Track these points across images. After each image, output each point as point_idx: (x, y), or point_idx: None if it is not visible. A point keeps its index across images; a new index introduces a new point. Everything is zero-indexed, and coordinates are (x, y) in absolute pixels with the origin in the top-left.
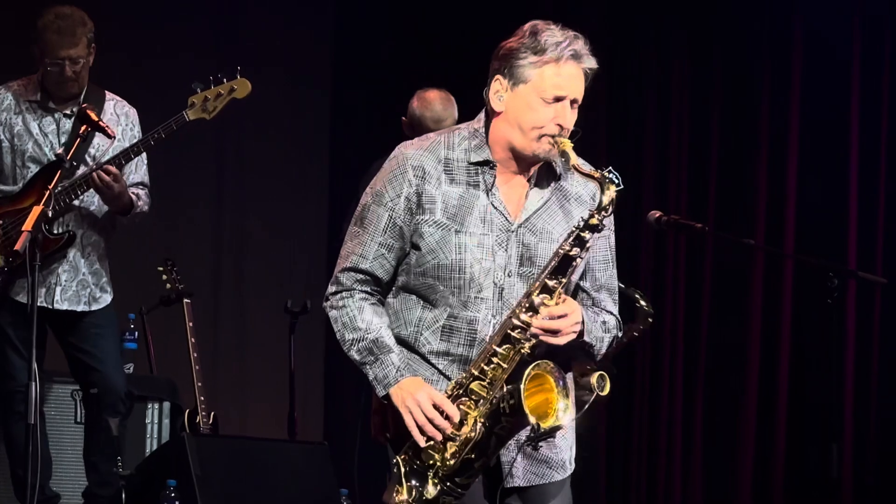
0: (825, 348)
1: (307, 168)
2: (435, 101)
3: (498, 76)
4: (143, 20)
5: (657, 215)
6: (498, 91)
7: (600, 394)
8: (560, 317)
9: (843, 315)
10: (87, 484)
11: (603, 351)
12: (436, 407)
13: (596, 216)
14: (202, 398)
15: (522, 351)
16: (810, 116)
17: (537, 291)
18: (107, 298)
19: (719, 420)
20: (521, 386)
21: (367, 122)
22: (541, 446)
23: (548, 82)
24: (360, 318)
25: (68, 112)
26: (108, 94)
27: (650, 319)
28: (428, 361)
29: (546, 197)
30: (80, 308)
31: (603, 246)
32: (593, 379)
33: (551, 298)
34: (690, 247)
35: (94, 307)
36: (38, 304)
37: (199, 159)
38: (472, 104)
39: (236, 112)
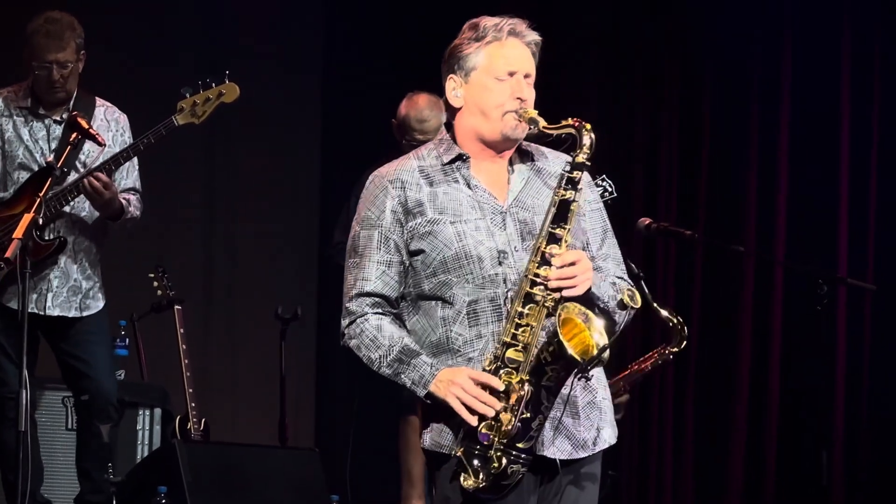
0: (815, 355)
1: (298, 174)
2: (421, 103)
3: (450, 76)
4: (132, 27)
5: (647, 222)
6: (454, 88)
7: (634, 306)
8: (572, 264)
9: (834, 322)
10: (78, 490)
11: (613, 306)
12: (480, 385)
13: (581, 154)
14: (193, 405)
15: (547, 306)
16: (800, 123)
17: (544, 243)
18: (98, 304)
19: (709, 427)
20: (558, 329)
21: (359, 128)
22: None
23: (496, 61)
24: (381, 335)
25: (58, 118)
26: (99, 101)
27: (685, 340)
28: (465, 356)
29: (526, 176)
30: (71, 314)
31: (596, 218)
32: (625, 296)
33: (560, 248)
34: (680, 254)
35: (86, 313)
36: (30, 310)
37: (190, 166)
38: None
39: (228, 118)
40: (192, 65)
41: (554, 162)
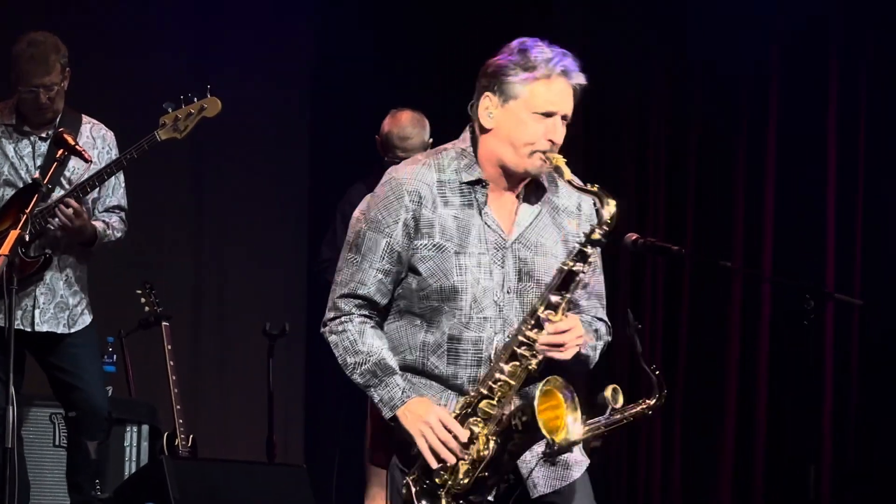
0: (803, 370)
1: (286, 191)
2: (404, 120)
3: (487, 93)
4: (115, 43)
5: (634, 238)
6: (487, 108)
7: (614, 406)
8: (564, 331)
9: (822, 337)
10: None
11: (595, 360)
12: (447, 430)
13: (597, 230)
14: (181, 421)
15: (529, 367)
16: (788, 138)
17: (542, 308)
18: (86, 320)
19: (697, 441)
20: (535, 402)
21: (347, 145)
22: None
23: (539, 98)
24: (361, 342)
25: (44, 135)
26: (85, 118)
27: (663, 400)
28: (440, 384)
29: (536, 211)
30: (60, 330)
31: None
32: (607, 393)
33: (556, 314)
34: (668, 269)
35: (75, 328)
36: (17, 326)
37: (178, 182)
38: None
39: (216, 135)
40: (177, 78)
41: (566, 197)
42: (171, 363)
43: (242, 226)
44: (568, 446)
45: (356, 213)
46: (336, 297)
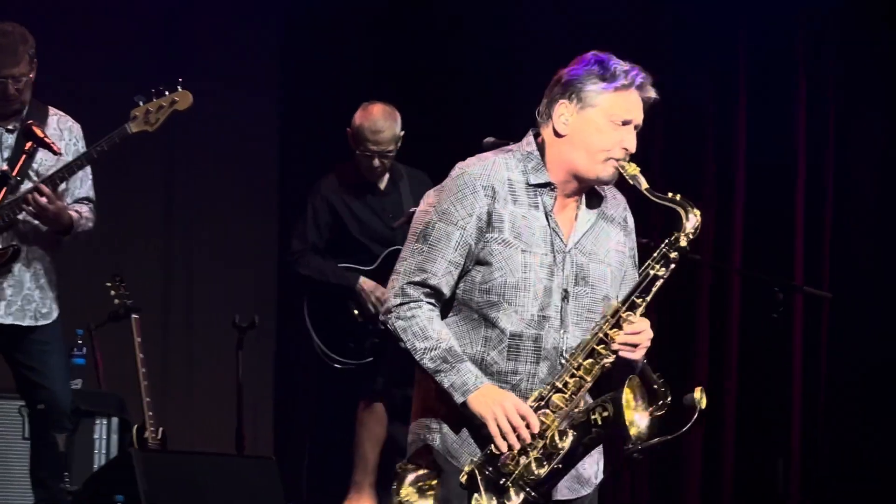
0: (772, 363)
1: (256, 183)
2: (376, 113)
3: (562, 101)
4: (83, 35)
5: None
6: (563, 115)
7: (701, 407)
8: (639, 332)
9: (791, 330)
10: (33, 500)
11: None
12: (521, 417)
13: (683, 237)
14: (150, 413)
15: (605, 365)
16: (757, 132)
17: (624, 309)
18: (53, 314)
19: (666, 434)
20: (622, 399)
21: (316, 138)
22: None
23: (619, 107)
24: (431, 328)
25: (10, 127)
26: (52, 110)
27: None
28: (497, 380)
29: (593, 219)
30: (25, 323)
31: (634, 265)
32: (696, 394)
33: (634, 315)
34: (638, 262)
35: (41, 322)
36: None
37: (149, 175)
38: (424, 117)
39: (186, 127)
40: (147, 71)
41: (614, 206)
42: (141, 356)
43: (212, 218)
44: (646, 445)
45: (423, 205)
46: (403, 283)
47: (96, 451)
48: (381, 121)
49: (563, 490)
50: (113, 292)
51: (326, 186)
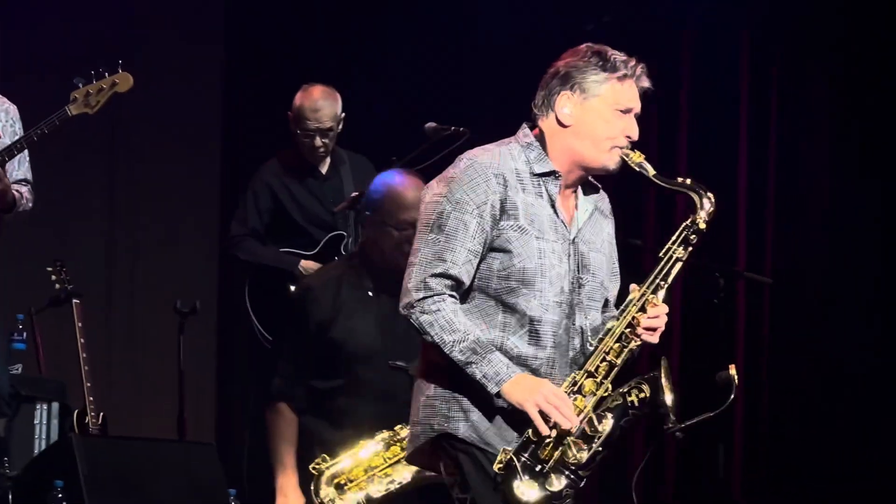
0: (714, 348)
1: (199, 167)
2: (315, 93)
3: (564, 92)
4: (23, 18)
5: None
6: (566, 106)
7: (736, 384)
8: (657, 317)
9: (733, 315)
10: None
11: None
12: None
13: (700, 220)
14: (91, 398)
15: (632, 348)
16: (699, 117)
17: (650, 292)
18: None
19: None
20: (661, 380)
21: (260, 121)
22: None
23: (622, 96)
24: (457, 321)
25: None
26: None
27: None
28: (518, 363)
29: (591, 209)
30: None
31: (616, 255)
32: (732, 371)
33: (658, 299)
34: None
35: None
36: None
37: (90, 159)
38: (366, 99)
39: (128, 110)
40: (87, 53)
41: (601, 199)
42: (82, 341)
43: (154, 203)
44: (687, 422)
45: (430, 196)
46: (426, 276)
47: (37, 437)
48: (320, 100)
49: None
50: (54, 277)
51: (268, 171)
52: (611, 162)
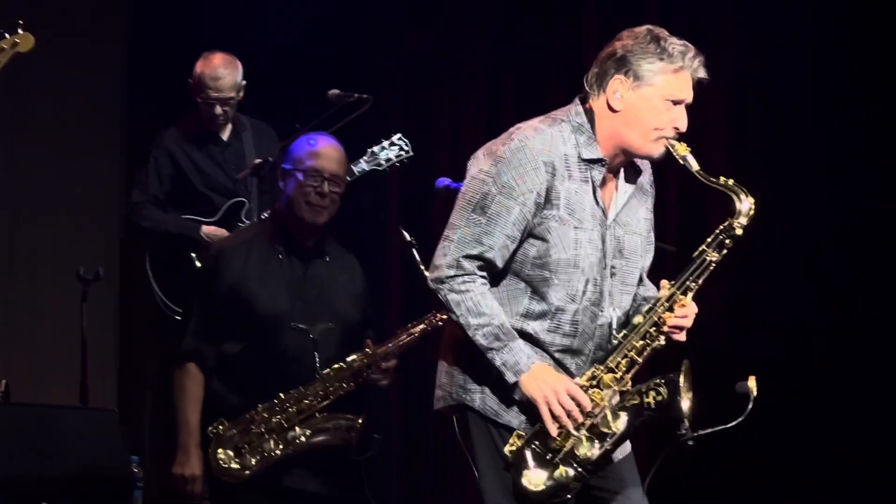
0: None
1: (100, 132)
2: (216, 61)
3: (618, 76)
4: None
5: (447, 183)
6: (617, 90)
7: (754, 395)
8: (685, 316)
9: None
10: None
11: None
12: (573, 398)
13: (737, 225)
14: None
15: (657, 346)
16: None
17: (679, 292)
18: None
19: None
20: (680, 384)
21: (163, 86)
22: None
23: (674, 87)
24: (485, 304)
25: None
26: None
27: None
28: (538, 346)
29: (630, 190)
30: None
31: (652, 227)
32: (750, 383)
33: (686, 299)
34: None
35: None
36: None
37: None
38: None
39: (26, 73)
40: None
41: (646, 173)
42: None
43: (56, 169)
44: (701, 431)
45: (477, 171)
46: (460, 255)
47: None
48: (221, 68)
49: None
50: None
51: (169, 138)
52: (656, 151)
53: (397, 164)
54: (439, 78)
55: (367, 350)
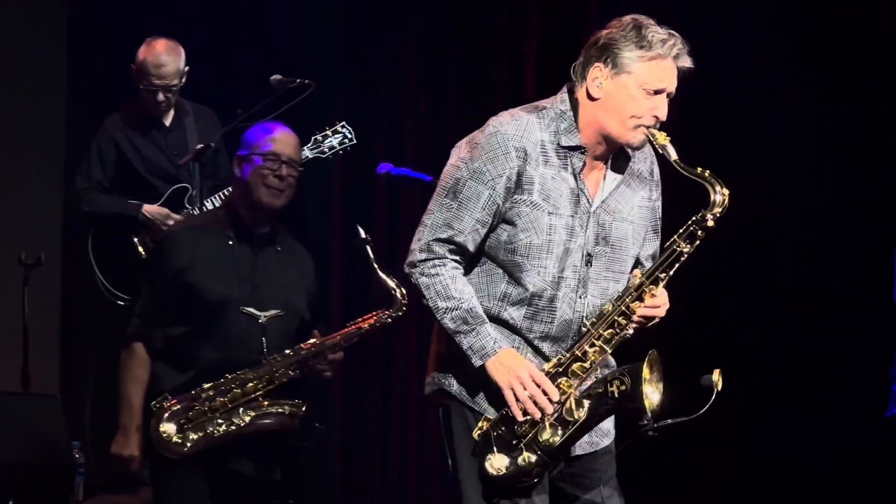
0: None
1: (43, 116)
2: (159, 48)
3: (598, 64)
4: None
5: (388, 169)
6: (597, 78)
7: (718, 390)
8: (657, 306)
9: None
10: None
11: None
12: (537, 385)
13: (709, 216)
14: None
15: (625, 335)
16: (549, 82)
17: (648, 282)
18: None
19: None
20: (642, 373)
21: (106, 73)
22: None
23: (653, 75)
24: (454, 288)
25: None
26: None
27: (403, 309)
28: (513, 332)
29: (619, 178)
30: None
31: (656, 217)
32: (714, 376)
33: (656, 289)
34: (424, 200)
35: None
36: None
37: None
38: (207, 50)
39: None
40: None
41: (641, 160)
42: None
43: None
44: (661, 422)
45: (455, 159)
46: (430, 239)
47: None
48: (164, 55)
49: (583, 445)
50: None
51: (111, 124)
52: (635, 140)
53: (340, 153)
54: (380, 62)
55: (316, 340)
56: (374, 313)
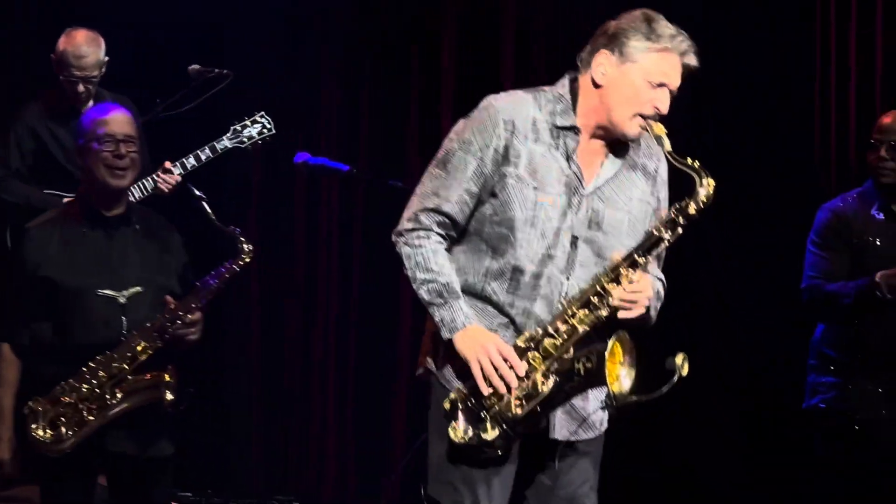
0: None
1: None
2: (79, 38)
3: (604, 51)
4: None
5: (305, 158)
6: (602, 65)
7: (682, 373)
8: (638, 291)
9: None
10: None
11: (653, 321)
12: (504, 360)
13: (692, 206)
14: None
15: (599, 316)
16: (464, 66)
17: (625, 265)
18: None
19: (373, 368)
20: (605, 353)
21: (23, 60)
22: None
23: (658, 69)
24: (434, 261)
25: None
26: None
27: (249, 255)
28: (493, 308)
29: (618, 166)
30: None
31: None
32: (678, 359)
33: (634, 273)
34: (342, 190)
35: None
36: None
37: None
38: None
39: None
40: None
41: (647, 156)
42: None
43: None
44: (623, 401)
45: (450, 133)
46: (419, 209)
47: None
48: (84, 46)
49: (563, 430)
50: None
51: (30, 112)
52: (632, 130)
53: (260, 142)
54: (297, 55)
55: (170, 306)
56: (223, 265)
